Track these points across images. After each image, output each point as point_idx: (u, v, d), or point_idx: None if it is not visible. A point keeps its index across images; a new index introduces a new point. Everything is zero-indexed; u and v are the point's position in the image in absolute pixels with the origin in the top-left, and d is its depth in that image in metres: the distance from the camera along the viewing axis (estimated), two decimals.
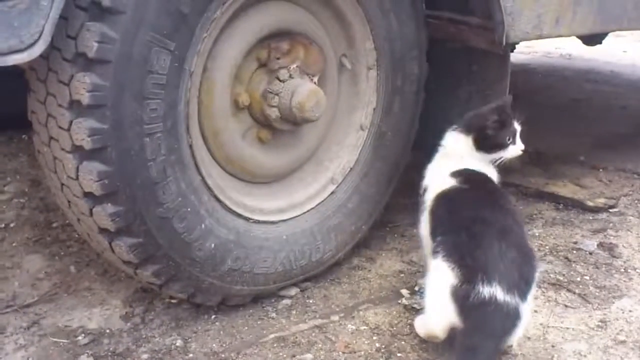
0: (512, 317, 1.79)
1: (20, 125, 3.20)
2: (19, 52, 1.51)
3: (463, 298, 1.79)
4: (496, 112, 2.11)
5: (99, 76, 1.69)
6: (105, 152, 1.75)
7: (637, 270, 2.49)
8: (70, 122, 1.74)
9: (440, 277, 1.85)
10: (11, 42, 1.50)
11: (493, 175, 2.11)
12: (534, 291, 1.87)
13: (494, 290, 1.76)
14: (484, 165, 2.09)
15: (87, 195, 1.81)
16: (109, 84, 1.70)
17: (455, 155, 2.11)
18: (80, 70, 1.69)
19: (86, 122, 1.72)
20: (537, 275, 1.89)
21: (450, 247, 1.87)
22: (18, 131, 3.55)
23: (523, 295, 1.80)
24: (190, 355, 2.00)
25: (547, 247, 2.65)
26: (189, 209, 1.94)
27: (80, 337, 2.07)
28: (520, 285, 1.80)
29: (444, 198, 2.02)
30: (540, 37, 2.51)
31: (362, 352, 2.01)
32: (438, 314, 1.88)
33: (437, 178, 2.08)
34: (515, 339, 1.87)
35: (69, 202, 1.91)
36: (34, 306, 2.22)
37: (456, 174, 2.04)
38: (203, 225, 1.99)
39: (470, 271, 1.79)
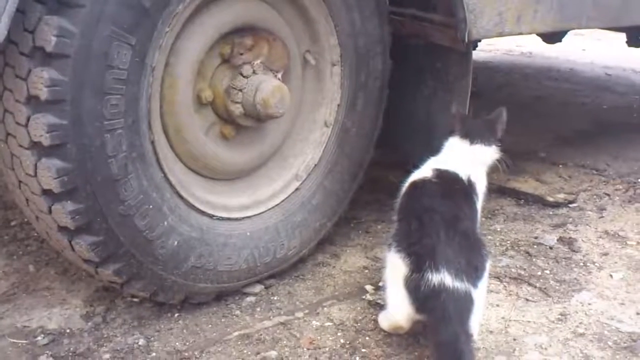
0: (465, 302, 1.81)
1: None
2: None
3: (415, 288, 1.82)
4: (497, 122, 2.20)
5: (57, 71, 1.65)
6: (65, 149, 1.71)
7: (596, 264, 2.55)
8: (28, 118, 1.70)
9: (394, 267, 1.88)
10: None
11: (482, 179, 2.15)
12: (486, 280, 1.91)
13: (442, 277, 1.79)
14: (476, 168, 2.13)
15: (46, 192, 1.77)
16: (67, 79, 1.66)
17: (448, 158, 2.14)
18: (38, 65, 1.66)
19: (44, 118, 1.68)
20: (488, 265, 1.92)
21: (401, 237, 1.91)
22: None
23: (473, 282, 1.83)
24: (153, 354, 1.98)
25: (508, 242, 2.69)
26: (150, 206, 1.92)
27: (39, 338, 2.03)
28: (469, 271, 1.83)
29: (410, 188, 2.07)
30: (501, 34, 2.54)
31: (327, 348, 2.01)
32: (397, 305, 1.91)
33: (418, 172, 2.12)
34: (475, 329, 1.89)
35: (27, 199, 1.87)
36: None
37: (435, 170, 2.08)
38: (165, 223, 1.97)
39: (418, 259, 1.82)
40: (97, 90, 1.72)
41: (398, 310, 1.92)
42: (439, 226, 1.87)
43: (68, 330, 2.07)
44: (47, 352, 1.97)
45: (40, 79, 1.65)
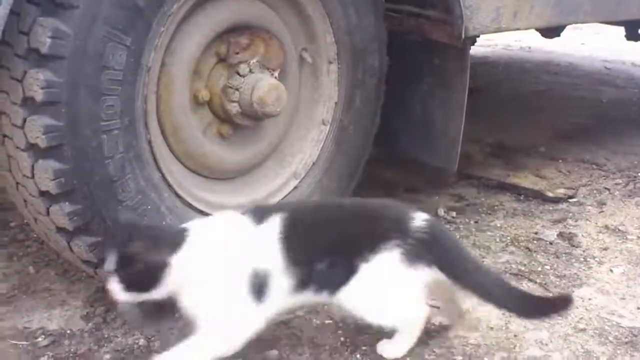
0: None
1: None
2: None
3: None
4: None
5: (52, 72, 1.66)
6: (61, 150, 1.72)
7: (596, 259, 2.54)
8: (24, 120, 1.70)
9: None
10: None
11: None
12: None
13: None
14: None
15: (44, 194, 1.78)
16: (63, 80, 1.67)
17: None
18: (33, 67, 1.66)
19: (40, 120, 1.68)
20: None
21: None
22: None
23: None
24: (155, 355, 1.98)
25: (508, 238, 2.68)
26: (149, 207, 1.92)
27: (40, 339, 2.03)
28: None
29: None
30: (498, 30, 2.54)
31: (328, 347, 2.01)
32: None
33: None
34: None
35: (25, 201, 1.87)
36: None
37: None
38: (164, 223, 1.97)
39: None
40: (93, 91, 1.72)
41: None
42: None
43: (69, 331, 2.07)
44: (48, 353, 1.97)
45: (35, 80, 1.66)
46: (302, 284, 1.77)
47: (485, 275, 1.92)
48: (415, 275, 1.81)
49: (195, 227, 1.75)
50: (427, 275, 1.82)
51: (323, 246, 1.78)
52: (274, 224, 1.75)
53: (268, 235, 1.75)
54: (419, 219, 1.84)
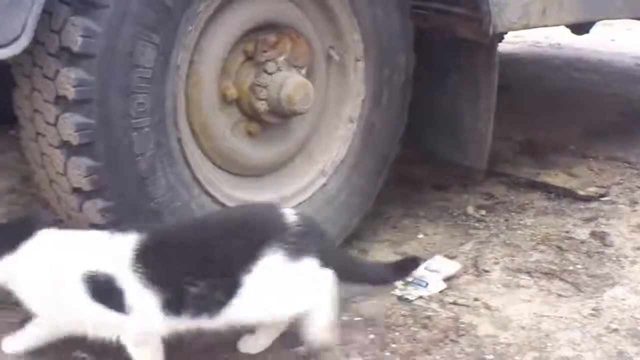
0: None
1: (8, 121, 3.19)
2: (3, 47, 1.52)
3: None
4: None
5: (84, 71, 1.68)
6: (93, 147, 1.74)
7: (629, 258, 2.50)
8: (57, 117, 1.73)
9: None
10: None
11: None
12: None
13: None
14: None
15: (76, 190, 1.80)
16: (94, 78, 1.69)
17: None
18: (65, 65, 1.69)
19: (73, 117, 1.71)
20: None
21: None
22: (5, 127, 3.52)
23: None
24: (185, 349, 1.99)
25: (539, 237, 2.65)
26: (179, 203, 1.94)
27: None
28: None
29: None
30: (527, 27, 2.52)
31: (357, 344, 2.01)
32: None
33: None
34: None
35: (58, 197, 1.90)
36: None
37: None
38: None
39: None
40: (123, 89, 1.74)
41: None
42: None
43: None
44: (83, 346, 1.99)
45: (67, 79, 1.68)
46: (174, 307, 1.69)
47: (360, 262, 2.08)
48: (303, 269, 1.77)
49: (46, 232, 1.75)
50: (313, 266, 1.79)
51: (193, 270, 1.70)
52: (129, 239, 1.70)
53: (119, 246, 1.70)
54: (290, 214, 1.82)
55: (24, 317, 2.09)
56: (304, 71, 2.18)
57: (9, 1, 1.48)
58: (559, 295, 2.26)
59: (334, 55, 2.33)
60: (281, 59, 2.12)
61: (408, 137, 2.57)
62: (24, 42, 1.52)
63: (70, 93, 1.68)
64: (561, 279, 2.35)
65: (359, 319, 2.13)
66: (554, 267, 2.43)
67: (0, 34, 1.49)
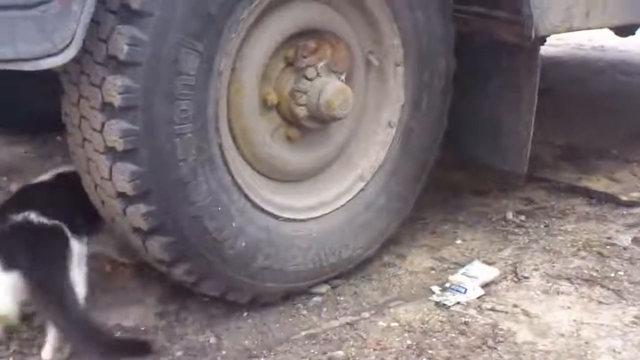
0: None
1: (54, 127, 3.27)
2: (53, 55, 1.56)
3: None
4: None
5: (130, 78, 1.72)
6: (138, 153, 1.79)
7: None
8: (103, 124, 1.78)
9: None
10: (45, 46, 1.54)
11: None
12: None
13: None
14: None
15: (121, 195, 1.85)
16: (139, 85, 1.73)
17: None
18: (111, 73, 1.73)
19: (118, 124, 1.75)
20: None
21: None
22: (52, 133, 3.62)
23: None
24: (224, 352, 2.03)
25: (580, 243, 2.62)
26: (219, 208, 1.97)
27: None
28: None
29: None
30: (570, 30, 2.49)
31: (394, 350, 2.02)
32: None
33: None
34: None
35: (103, 202, 1.95)
36: None
37: None
38: (234, 224, 2.02)
39: None
40: (168, 96, 1.78)
41: None
42: None
43: (143, 328, 2.15)
44: None
45: (113, 86, 1.73)
46: None
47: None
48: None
49: None
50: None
51: None
52: None
53: None
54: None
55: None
56: (343, 76, 2.20)
57: (59, 11, 1.52)
58: (600, 302, 2.23)
59: (373, 60, 2.34)
60: (321, 64, 2.14)
61: (447, 142, 2.57)
62: (73, 51, 1.57)
63: (116, 100, 1.73)
64: (602, 286, 2.33)
65: (395, 324, 2.14)
66: (595, 274, 2.40)
67: (51, 43, 1.54)
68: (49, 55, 1.55)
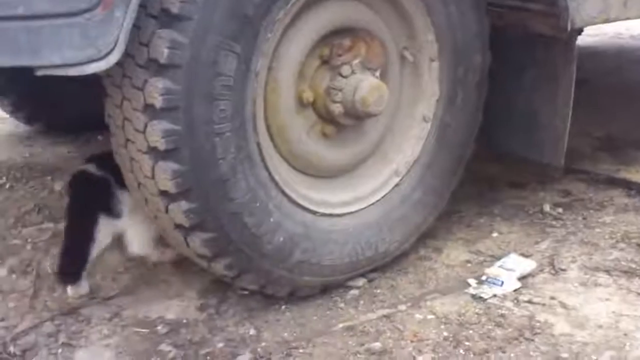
0: None
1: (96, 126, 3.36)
2: (97, 61, 1.62)
3: None
4: None
5: (170, 80, 1.77)
6: (179, 152, 1.84)
7: None
8: (145, 125, 1.83)
9: None
10: (89, 52, 1.61)
11: None
12: None
13: None
14: None
15: (163, 193, 1.91)
16: (180, 87, 1.78)
17: None
18: (153, 75, 1.78)
19: (160, 125, 1.81)
20: None
21: None
22: (94, 132, 3.72)
23: None
24: (263, 343, 2.08)
25: (618, 235, 2.60)
26: (258, 204, 2.02)
27: (159, 327, 2.18)
28: None
29: None
30: (607, 21, 2.47)
31: (430, 341, 2.04)
32: None
33: None
34: None
35: (145, 199, 2.02)
36: (116, 298, 2.34)
37: None
38: (272, 219, 2.07)
39: None
40: (207, 96, 1.83)
41: None
42: None
43: (185, 321, 2.21)
44: (167, 340, 2.11)
45: (155, 88, 1.78)
46: None
47: None
48: None
49: None
50: None
51: None
52: None
53: None
54: None
55: (115, 311, 2.26)
56: (377, 73, 2.22)
57: (102, 18, 1.58)
58: (639, 294, 2.22)
59: (407, 56, 2.36)
60: (356, 62, 2.17)
61: (484, 135, 2.57)
62: (116, 56, 1.63)
63: (158, 101, 1.78)
64: None
65: (432, 316, 2.16)
66: (634, 266, 2.38)
67: (95, 49, 1.60)
68: (94, 61, 1.61)
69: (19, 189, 3.13)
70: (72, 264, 2.29)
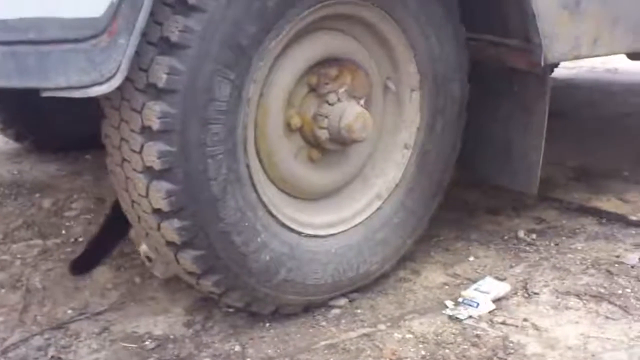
0: None
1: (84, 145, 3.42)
2: (100, 84, 1.70)
3: None
4: None
5: (168, 104, 1.86)
6: (173, 172, 1.92)
7: None
8: (142, 146, 1.91)
9: None
10: (93, 76, 1.69)
11: None
12: None
13: None
14: None
15: (156, 211, 1.98)
16: (177, 111, 1.87)
17: None
18: (151, 99, 1.86)
19: (156, 146, 1.89)
20: None
21: None
22: (82, 152, 3.77)
23: None
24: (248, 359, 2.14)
25: (589, 261, 2.69)
26: (246, 224, 2.09)
27: (147, 342, 2.23)
28: None
29: None
30: (578, 57, 2.59)
31: (408, 359, 2.12)
32: None
33: None
34: None
35: (138, 217, 2.09)
36: (104, 314, 2.39)
37: None
38: (259, 239, 2.14)
39: None
40: (201, 120, 1.91)
41: None
42: None
43: (172, 336, 2.26)
44: (154, 355, 2.16)
45: (153, 111, 1.86)
46: None
47: None
48: None
49: None
50: None
51: None
52: None
53: None
54: None
55: (104, 326, 2.31)
56: (362, 101, 2.32)
57: (107, 45, 1.67)
58: (607, 318, 2.31)
59: (390, 86, 2.46)
60: (342, 90, 2.27)
61: (462, 162, 2.67)
62: (118, 81, 1.71)
63: (155, 124, 1.87)
64: (610, 302, 2.39)
65: (410, 336, 2.23)
66: (603, 291, 2.47)
67: (99, 73, 1.69)
68: (97, 84, 1.70)
69: (7, 206, 3.17)
70: (89, 257, 2.32)
